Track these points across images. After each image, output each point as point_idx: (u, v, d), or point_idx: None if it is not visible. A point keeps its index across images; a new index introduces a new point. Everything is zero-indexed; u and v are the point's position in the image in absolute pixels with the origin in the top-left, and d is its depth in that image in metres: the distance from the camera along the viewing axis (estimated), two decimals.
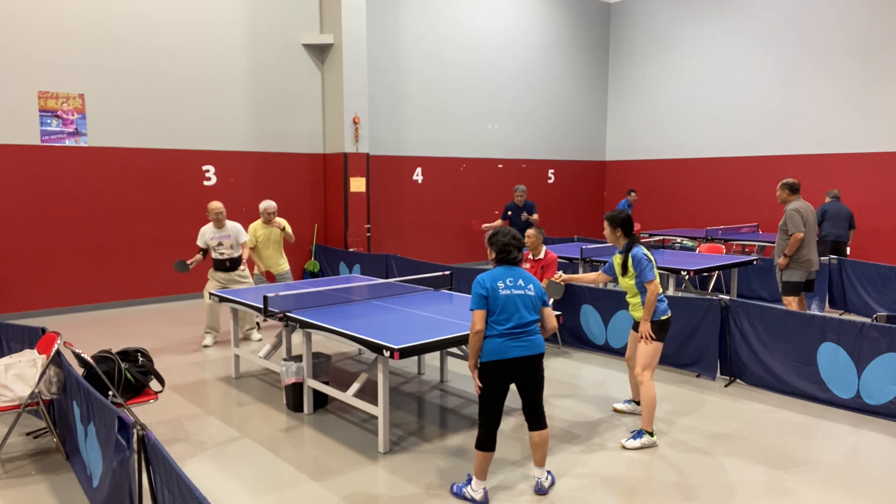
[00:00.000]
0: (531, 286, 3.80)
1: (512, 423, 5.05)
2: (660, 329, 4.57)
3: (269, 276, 7.46)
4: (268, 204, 7.68)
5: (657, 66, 15.35)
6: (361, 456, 4.49)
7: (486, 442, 3.74)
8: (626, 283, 4.68)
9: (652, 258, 4.59)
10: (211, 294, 6.40)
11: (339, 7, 10.75)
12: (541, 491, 3.91)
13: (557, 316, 5.20)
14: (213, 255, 7.29)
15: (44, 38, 8.68)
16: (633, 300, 4.72)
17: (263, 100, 10.70)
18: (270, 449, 4.60)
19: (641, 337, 4.59)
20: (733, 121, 14.02)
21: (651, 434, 4.57)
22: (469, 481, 3.85)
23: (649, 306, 4.49)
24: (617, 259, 4.74)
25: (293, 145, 11.13)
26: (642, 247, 4.62)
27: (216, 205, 7.26)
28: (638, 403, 5.14)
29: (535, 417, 3.84)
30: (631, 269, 4.57)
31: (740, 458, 4.42)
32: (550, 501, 3.84)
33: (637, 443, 4.54)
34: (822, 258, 8.78)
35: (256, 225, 7.73)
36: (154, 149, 9.68)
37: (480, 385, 3.74)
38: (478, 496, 3.77)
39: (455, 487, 3.91)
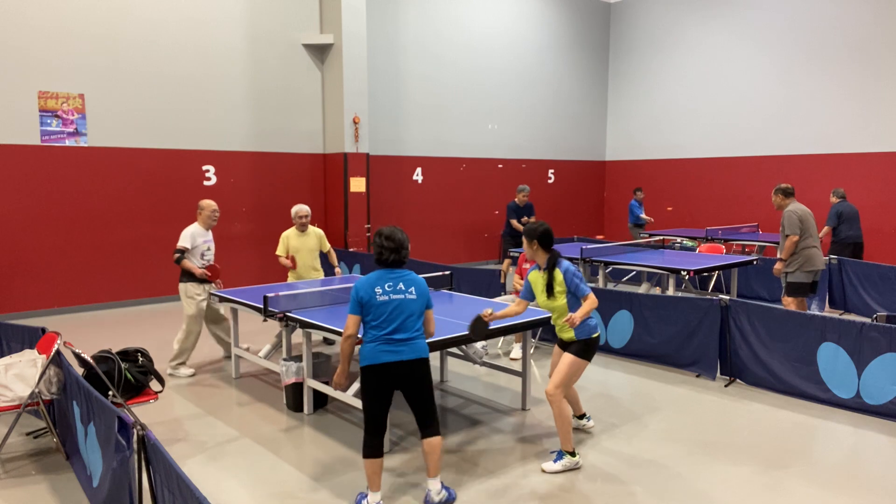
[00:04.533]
0: (413, 289, 3.66)
1: (513, 423, 5.05)
2: (589, 348, 4.23)
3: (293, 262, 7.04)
4: (299, 208, 6.89)
5: (657, 66, 15.35)
6: (361, 456, 4.48)
7: (370, 448, 3.62)
8: (553, 304, 4.24)
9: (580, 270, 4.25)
10: (212, 294, 6.36)
11: (339, 7, 10.75)
12: (428, 503, 3.73)
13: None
14: (198, 262, 6.32)
15: (44, 38, 8.68)
16: (561, 321, 4.28)
17: (263, 100, 10.70)
18: (270, 449, 4.60)
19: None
20: (733, 121, 14.02)
21: (572, 454, 4.24)
22: (366, 495, 3.71)
23: (589, 308, 4.07)
24: (536, 277, 4.32)
25: (293, 145, 11.13)
26: (565, 260, 4.27)
27: (214, 203, 6.50)
28: (581, 417, 4.85)
29: (424, 424, 3.71)
30: (560, 286, 4.17)
31: (740, 458, 4.42)
32: (551, 495, 3.84)
33: (558, 465, 4.20)
34: (841, 258, 8.82)
35: (290, 233, 6.95)
36: (154, 149, 9.68)
37: (339, 384, 3.80)
38: None
39: (358, 497, 3.79)
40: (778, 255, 7.26)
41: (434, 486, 3.75)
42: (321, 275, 7.20)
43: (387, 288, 3.61)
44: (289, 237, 6.95)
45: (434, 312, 4.83)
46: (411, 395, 3.68)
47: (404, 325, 3.61)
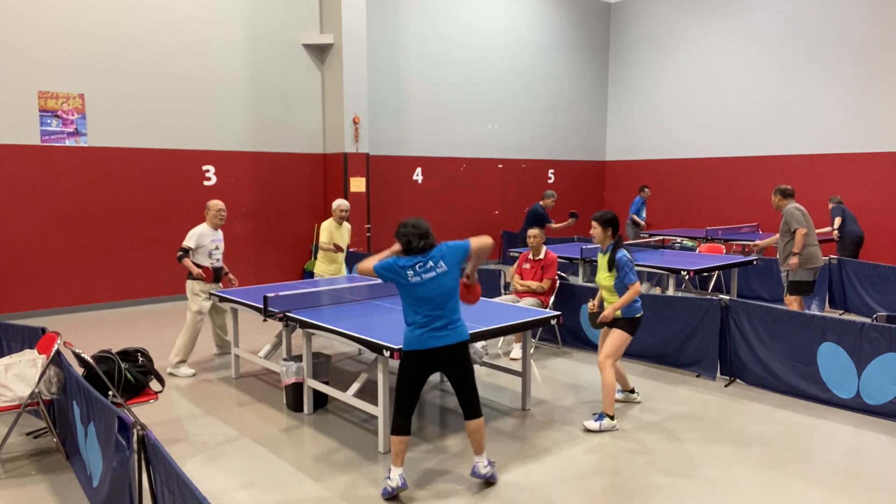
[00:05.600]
0: (441, 262, 3.71)
1: (513, 423, 5.05)
2: (633, 325, 4.86)
3: (338, 248, 7.60)
4: (343, 202, 7.55)
5: (657, 66, 15.35)
6: (361, 456, 4.48)
7: (398, 426, 3.79)
8: (607, 280, 4.88)
9: (632, 260, 4.83)
10: (211, 294, 6.36)
11: (339, 7, 10.75)
12: (476, 474, 3.96)
13: (557, 316, 5.20)
14: (206, 261, 6.41)
15: (44, 38, 8.68)
16: (611, 297, 4.93)
17: (263, 100, 10.70)
18: (270, 449, 4.60)
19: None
20: (733, 121, 14.02)
21: (611, 417, 4.84)
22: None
23: (626, 300, 4.73)
24: (602, 259, 4.97)
25: (293, 145, 11.13)
26: (625, 249, 4.83)
27: (221, 203, 6.55)
28: (631, 392, 5.46)
29: (467, 407, 3.88)
30: (615, 269, 4.81)
31: (740, 458, 4.42)
32: (551, 495, 3.84)
33: (597, 424, 4.81)
34: (841, 258, 8.92)
35: (331, 225, 7.52)
36: (154, 149, 9.68)
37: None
38: (393, 483, 3.78)
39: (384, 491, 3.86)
40: (778, 255, 7.26)
41: (481, 461, 3.95)
42: (343, 270, 7.69)
43: (418, 269, 3.69)
44: (331, 227, 7.53)
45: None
46: (455, 377, 3.82)
47: (443, 305, 3.70)
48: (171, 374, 6.28)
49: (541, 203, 10.40)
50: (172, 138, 9.83)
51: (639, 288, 4.73)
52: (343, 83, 10.86)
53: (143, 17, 9.41)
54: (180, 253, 6.30)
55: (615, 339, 4.83)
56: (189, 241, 6.34)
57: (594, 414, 4.98)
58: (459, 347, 3.77)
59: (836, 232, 10.17)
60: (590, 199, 16.29)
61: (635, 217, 12.64)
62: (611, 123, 16.43)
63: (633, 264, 4.78)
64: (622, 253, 4.79)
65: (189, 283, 6.39)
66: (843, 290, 8.78)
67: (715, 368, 6.11)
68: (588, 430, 4.82)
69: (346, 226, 7.73)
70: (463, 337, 3.79)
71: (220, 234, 6.59)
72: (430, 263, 3.70)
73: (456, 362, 3.79)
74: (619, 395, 5.53)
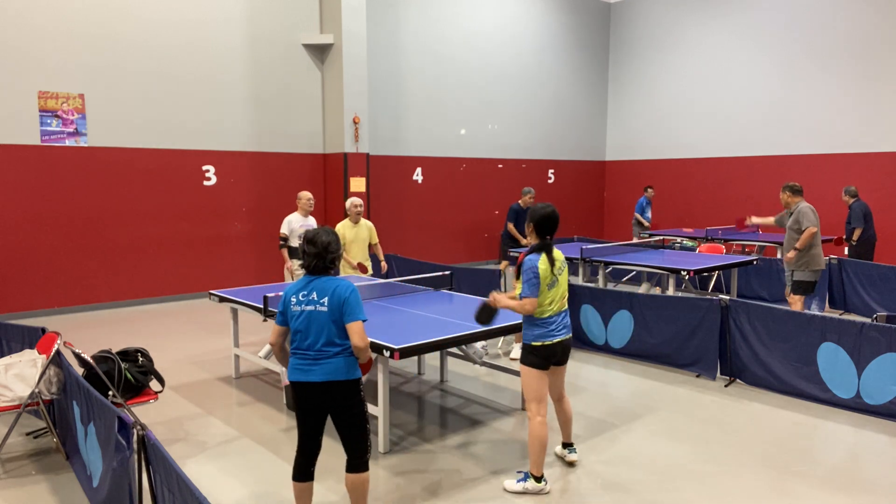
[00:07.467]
0: (325, 300, 3.20)
1: (513, 423, 5.05)
2: (527, 355, 3.85)
3: (362, 268, 7.34)
4: (355, 199, 7.32)
5: (657, 66, 15.35)
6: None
7: (295, 469, 3.36)
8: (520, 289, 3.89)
9: (543, 275, 3.75)
10: (211, 294, 6.37)
11: (339, 7, 10.75)
12: None
13: None
14: (297, 244, 7.10)
15: (44, 38, 8.68)
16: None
17: (263, 100, 10.70)
18: (270, 449, 4.61)
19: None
20: (734, 121, 14.02)
21: (538, 479, 3.86)
22: None
23: (514, 306, 3.80)
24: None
25: (293, 145, 11.13)
26: (544, 257, 3.80)
27: (309, 193, 7.35)
28: (567, 446, 4.36)
29: (349, 456, 3.32)
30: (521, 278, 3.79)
31: (740, 459, 4.42)
32: (551, 497, 3.84)
33: (519, 486, 3.89)
34: (842, 258, 8.85)
35: (343, 228, 7.26)
36: (154, 149, 9.68)
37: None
38: None
39: None
40: (779, 255, 7.25)
41: None
42: (369, 266, 7.45)
43: (301, 297, 3.25)
44: (344, 228, 7.27)
45: (434, 312, 4.74)
46: (334, 421, 3.31)
47: (315, 339, 3.21)
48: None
49: (519, 201, 10.47)
50: (172, 138, 9.83)
51: (531, 308, 3.74)
52: (343, 83, 10.86)
53: (143, 17, 9.41)
54: (280, 242, 7.20)
55: (522, 377, 3.93)
56: (283, 228, 7.19)
57: (518, 472, 4.09)
58: (329, 387, 3.21)
59: (849, 243, 9.73)
60: (590, 199, 16.29)
61: (639, 217, 12.63)
62: (611, 123, 16.43)
63: (537, 277, 3.73)
64: (532, 257, 3.78)
65: (288, 265, 7.21)
66: (843, 290, 8.78)
67: (715, 368, 6.11)
68: (506, 491, 3.92)
69: (365, 224, 7.34)
70: (329, 376, 3.20)
71: (311, 219, 7.36)
72: (314, 295, 3.23)
73: (328, 403, 3.25)
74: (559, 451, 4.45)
